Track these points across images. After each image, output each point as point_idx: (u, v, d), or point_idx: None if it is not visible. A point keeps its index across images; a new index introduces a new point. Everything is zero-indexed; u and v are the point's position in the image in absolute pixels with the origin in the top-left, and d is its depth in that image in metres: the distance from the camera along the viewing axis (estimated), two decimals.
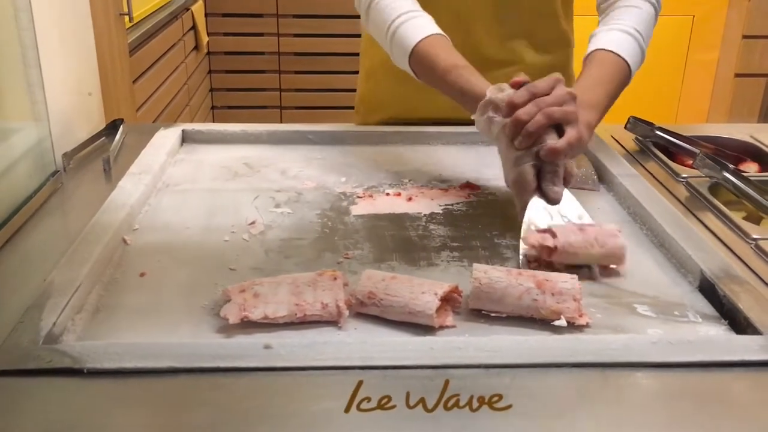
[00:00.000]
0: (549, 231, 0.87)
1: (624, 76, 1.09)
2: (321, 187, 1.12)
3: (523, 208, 0.92)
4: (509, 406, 0.64)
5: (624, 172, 1.12)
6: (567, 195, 0.93)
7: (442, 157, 1.24)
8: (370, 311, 0.77)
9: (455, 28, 1.17)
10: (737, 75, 3.46)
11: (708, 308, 0.81)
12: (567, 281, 0.78)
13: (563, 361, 0.69)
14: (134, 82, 2.22)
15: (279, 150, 1.26)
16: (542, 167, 0.92)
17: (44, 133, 1.09)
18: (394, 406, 0.63)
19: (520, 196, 0.94)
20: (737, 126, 1.40)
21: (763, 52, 3.41)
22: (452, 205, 1.06)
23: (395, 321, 0.76)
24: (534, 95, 0.92)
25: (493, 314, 0.78)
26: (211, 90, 3.60)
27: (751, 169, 1.23)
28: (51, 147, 1.10)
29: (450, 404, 0.64)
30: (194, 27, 3.21)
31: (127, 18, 2.08)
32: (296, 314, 0.75)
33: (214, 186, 1.12)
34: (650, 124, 1.28)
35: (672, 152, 1.26)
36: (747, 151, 1.28)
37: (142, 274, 0.86)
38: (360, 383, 0.66)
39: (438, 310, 0.75)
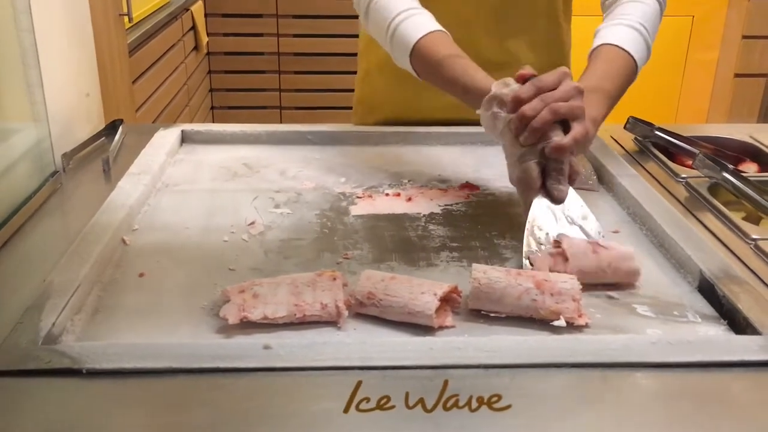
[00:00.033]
0: (560, 252, 0.85)
1: (630, 71, 1.07)
2: (320, 187, 1.12)
3: (528, 207, 0.91)
4: (508, 407, 0.64)
5: (623, 172, 1.12)
6: (572, 194, 0.92)
7: (442, 157, 1.24)
8: (369, 311, 0.77)
9: (455, 28, 1.16)
10: (737, 75, 3.47)
11: (707, 308, 0.81)
12: (566, 281, 0.78)
13: (563, 361, 0.69)
14: (134, 82, 2.22)
15: (278, 150, 1.25)
16: (547, 165, 0.91)
17: (44, 134, 1.09)
18: (393, 407, 0.63)
19: (524, 194, 0.93)
20: (737, 126, 1.40)
21: (762, 52, 3.41)
22: (451, 205, 1.06)
23: (394, 321, 0.76)
24: (540, 90, 0.90)
25: (492, 314, 0.78)
26: (211, 90, 3.60)
27: (750, 169, 1.23)
28: (50, 147, 1.10)
29: (449, 404, 0.64)
30: (194, 27, 3.21)
31: (126, 18, 2.08)
32: (295, 314, 0.75)
33: (214, 186, 1.12)
34: (650, 124, 1.28)
35: (671, 152, 1.26)
36: (746, 152, 1.28)
37: (141, 275, 0.86)
38: (359, 383, 0.66)
39: (437, 310, 0.75)
